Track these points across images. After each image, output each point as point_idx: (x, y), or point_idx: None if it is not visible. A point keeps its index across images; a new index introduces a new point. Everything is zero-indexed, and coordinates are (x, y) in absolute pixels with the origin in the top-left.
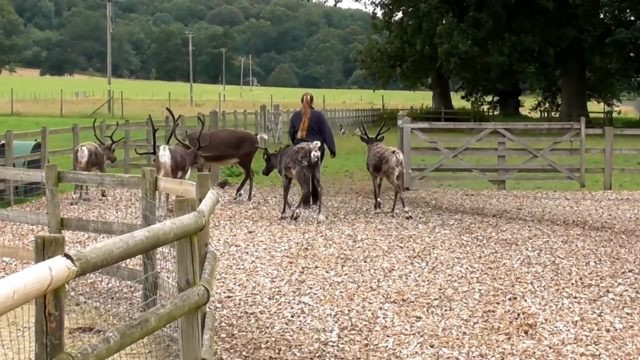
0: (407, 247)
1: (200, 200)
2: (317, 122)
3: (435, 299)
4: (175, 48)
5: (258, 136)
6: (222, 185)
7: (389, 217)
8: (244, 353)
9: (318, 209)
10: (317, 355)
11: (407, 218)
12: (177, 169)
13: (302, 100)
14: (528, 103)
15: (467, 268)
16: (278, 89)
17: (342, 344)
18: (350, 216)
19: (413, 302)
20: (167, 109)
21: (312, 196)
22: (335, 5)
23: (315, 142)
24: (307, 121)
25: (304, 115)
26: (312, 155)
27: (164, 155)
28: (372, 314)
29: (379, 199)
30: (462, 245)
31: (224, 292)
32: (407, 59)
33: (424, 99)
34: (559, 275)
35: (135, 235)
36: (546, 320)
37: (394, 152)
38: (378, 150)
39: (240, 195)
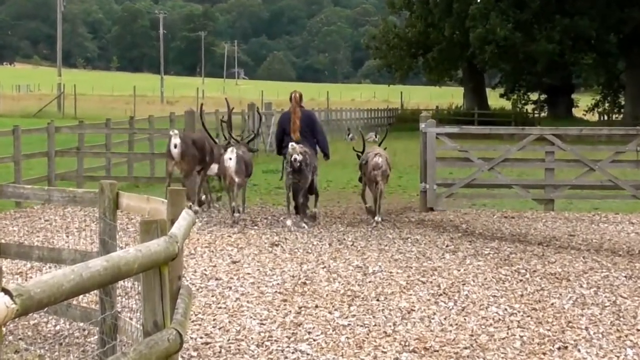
0: (431, 282)
1: (173, 222)
2: (309, 122)
3: (465, 348)
4: (142, 31)
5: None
6: (202, 203)
7: (408, 244)
8: None
9: (288, 211)
10: None
11: (374, 223)
12: (239, 175)
13: (290, 99)
14: (583, 103)
15: (506, 309)
16: (270, 84)
17: None
18: (360, 243)
19: (437, 351)
20: (226, 99)
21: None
22: None
23: (292, 144)
24: (298, 121)
25: (293, 115)
26: (292, 159)
27: (231, 158)
28: None
29: (369, 205)
30: (500, 280)
31: (201, 338)
32: (433, 47)
33: (452, 96)
34: (621, 319)
35: (91, 266)
36: None
37: (376, 154)
38: (367, 152)
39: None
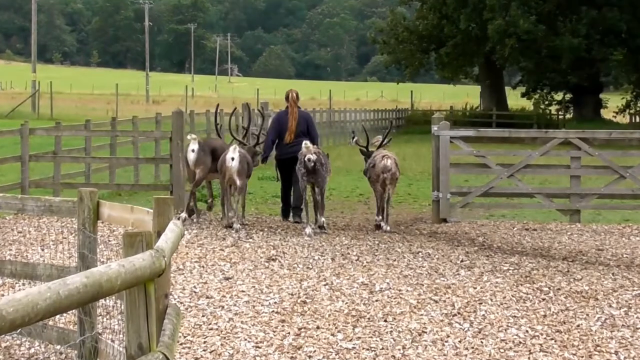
0: (444, 301)
1: (159, 235)
2: (305, 123)
3: None
4: (125, 23)
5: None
6: (192, 212)
7: (419, 259)
8: None
9: (307, 219)
10: None
11: (378, 227)
12: (242, 176)
13: (286, 98)
14: (613, 103)
15: (527, 331)
16: (267, 81)
17: None
18: (365, 258)
19: None
20: (247, 104)
21: (295, 208)
22: None
23: (306, 142)
24: (295, 123)
25: (290, 115)
26: (306, 159)
27: (233, 158)
28: None
29: (379, 216)
30: (520, 299)
31: None
32: (446, 41)
33: (468, 96)
34: None
35: (69, 283)
36: None
37: (383, 156)
38: (374, 154)
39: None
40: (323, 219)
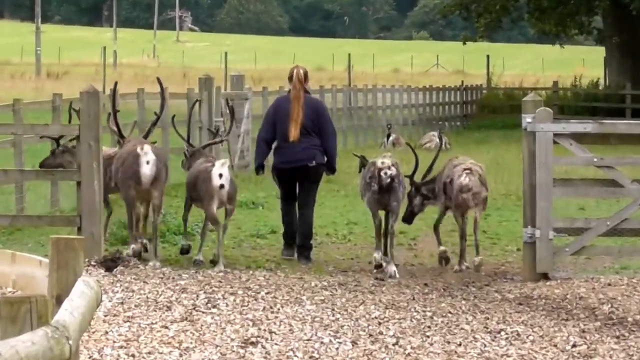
0: None
1: (60, 301)
2: (315, 116)
3: None
4: None
5: None
6: (111, 264)
7: (502, 343)
8: None
9: (385, 256)
10: None
11: (457, 267)
12: (233, 202)
13: (290, 78)
14: None
15: None
16: (242, 39)
17: None
18: (409, 340)
19: None
20: (157, 79)
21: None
22: None
23: (387, 154)
24: (301, 113)
25: (294, 102)
26: (382, 173)
27: (222, 174)
28: None
29: (441, 247)
30: None
31: None
32: None
33: (584, 64)
34: None
35: None
36: None
37: (465, 170)
38: (452, 164)
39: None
40: (393, 268)
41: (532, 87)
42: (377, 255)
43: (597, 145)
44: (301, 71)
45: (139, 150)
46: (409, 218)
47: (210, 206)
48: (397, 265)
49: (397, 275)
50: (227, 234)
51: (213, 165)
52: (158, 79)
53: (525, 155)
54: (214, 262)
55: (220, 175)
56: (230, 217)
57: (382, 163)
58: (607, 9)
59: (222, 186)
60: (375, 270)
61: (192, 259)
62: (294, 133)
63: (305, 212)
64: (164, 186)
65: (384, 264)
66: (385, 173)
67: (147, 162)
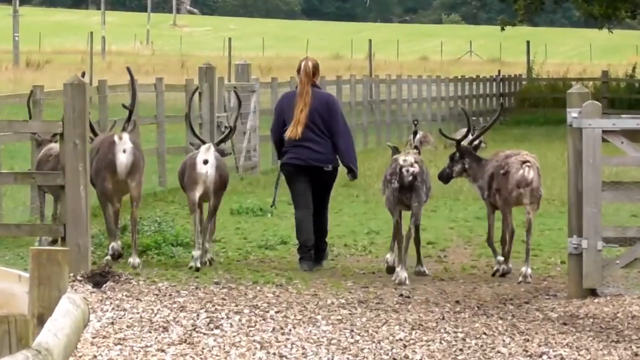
0: None
1: (42, 321)
2: (323, 111)
3: None
4: None
5: None
6: (100, 279)
7: None
8: None
9: (404, 258)
10: None
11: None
12: (220, 191)
13: (298, 71)
14: None
15: None
16: (247, 22)
17: None
18: None
19: None
20: (127, 68)
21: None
22: None
23: (411, 151)
24: (306, 110)
25: (299, 99)
26: (404, 170)
27: (208, 161)
28: None
29: (500, 257)
30: None
31: None
32: None
33: (637, 51)
34: None
35: None
36: None
37: (524, 162)
38: (504, 154)
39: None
40: (404, 274)
41: (579, 78)
42: (390, 257)
43: None
44: (310, 64)
45: (115, 138)
46: (445, 178)
47: (192, 192)
48: (424, 274)
49: (408, 282)
50: (213, 238)
51: (199, 152)
52: (128, 69)
53: (570, 155)
54: (210, 262)
55: (206, 162)
56: (214, 215)
57: (405, 160)
58: None
59: (205, 162)
60: (395, 280)
61: (189, 265)
62: (296, 131)
63: (319, 219)
64: (142, 176)
65: (397, 269)
66: (407, 170)
67: (124, 151)
